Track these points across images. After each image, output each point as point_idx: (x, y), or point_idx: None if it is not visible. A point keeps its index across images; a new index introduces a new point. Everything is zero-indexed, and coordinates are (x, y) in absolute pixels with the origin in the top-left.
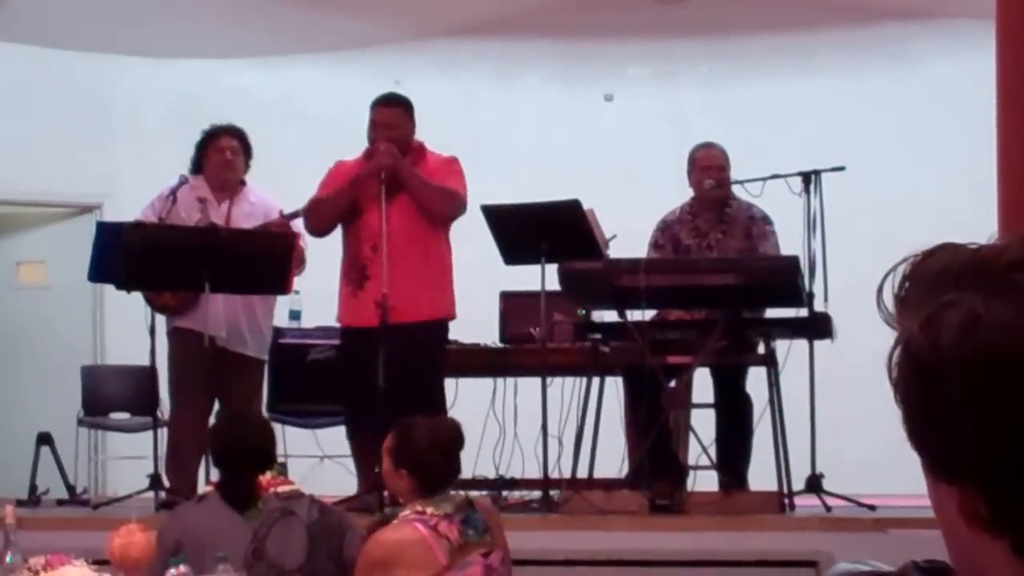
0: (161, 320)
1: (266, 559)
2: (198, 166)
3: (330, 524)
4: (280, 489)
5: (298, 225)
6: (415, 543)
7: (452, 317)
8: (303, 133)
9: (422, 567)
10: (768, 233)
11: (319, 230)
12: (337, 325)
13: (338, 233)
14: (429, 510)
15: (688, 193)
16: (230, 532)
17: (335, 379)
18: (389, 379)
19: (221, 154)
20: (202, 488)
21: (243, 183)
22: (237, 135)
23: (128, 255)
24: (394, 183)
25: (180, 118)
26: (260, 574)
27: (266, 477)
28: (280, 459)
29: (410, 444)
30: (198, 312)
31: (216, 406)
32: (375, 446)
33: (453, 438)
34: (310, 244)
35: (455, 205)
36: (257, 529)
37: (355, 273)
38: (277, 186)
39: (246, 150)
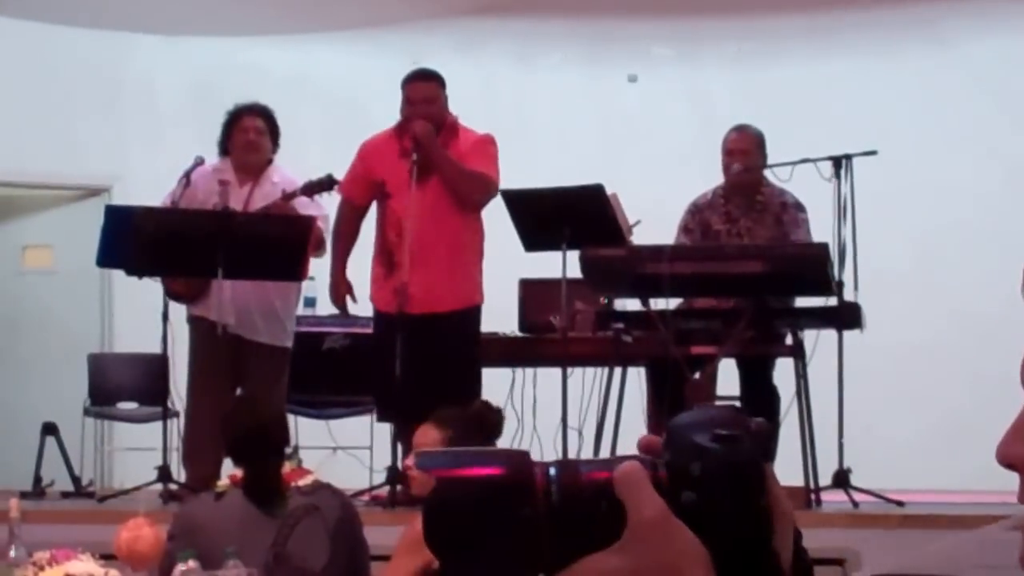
0: (179, 308)
1: (289, 563)
2: (225, 148)
3: (350, 516)
4: (301, 483)
5: (305, 205)
6: None
7: (478, 303)
8: (319, 112)
9: None
10: (800, 220)
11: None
12: (354, 313)
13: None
14: None
15: (717, 176)
16: (251, 533)
17: (358, 365)
18: (413, 370)
19: (245, 135)
20: (221, 482)
21: (269, 163)
22: (262, 114)
23: (139, 240)
24: (424, 166)
25: (193, 98)
26: (284, 574)
27: (286, 469)
28: (292, 448)
29: (481, 431)
30: (209, 299)
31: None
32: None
33: (497, 423)
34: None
35: (486, 191)
36: (279, 530)
37: (384, 257)
38: (293, 165)
39: (272, 130)
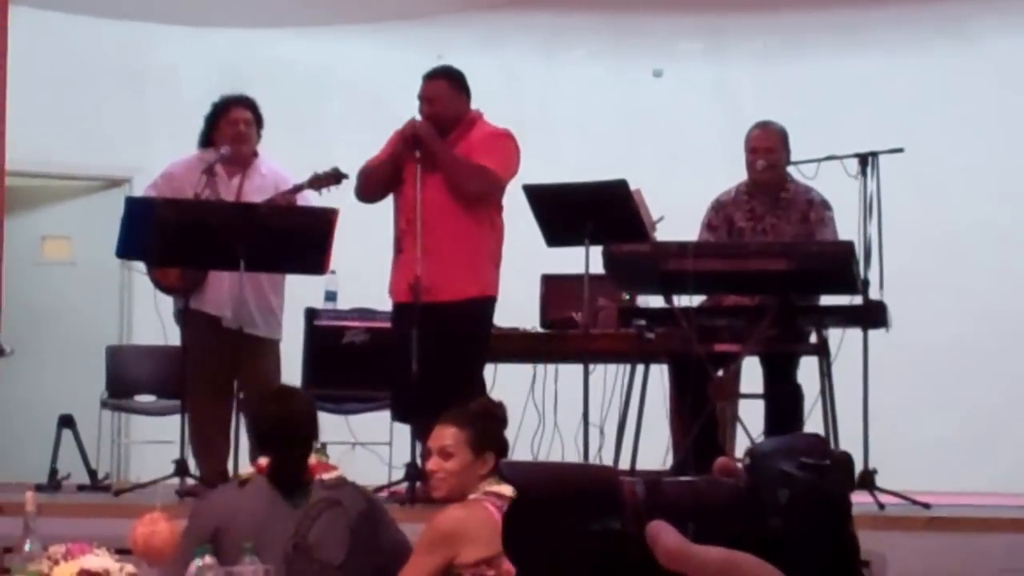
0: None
1: (308, 555)
2: (207, 140)
3: (375, 515)
4: (325, 477)
5: (307, 198)
6: (484, 521)
7: (489, 295)
8: (344, 105)
9: (486, 545)
10: (827, 219)
11: (364, 197)
12: (372, 307)
13: (377, 212)
14: (501, 489)
15: (743, 172)
16: (273, 520)
17: (378, 360)
18: (422, 361)
19: (234, 126)
20: (244, 470)
21: (255, 155)
22: (249, 106)
23: (161, 232)
24: (428, 158)
25: (217, 90)
26: (301, 569)
27: (312, 461)
28: (320, 444)
29: (495, 425)
30: (205, 293)
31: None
32: (422, 428)
33: (504, 416)
34: (350, 222)
35: (481, 183)
36: (300, 521)
37: (396, 245)
38: (318, 158)
39: (258, 121)
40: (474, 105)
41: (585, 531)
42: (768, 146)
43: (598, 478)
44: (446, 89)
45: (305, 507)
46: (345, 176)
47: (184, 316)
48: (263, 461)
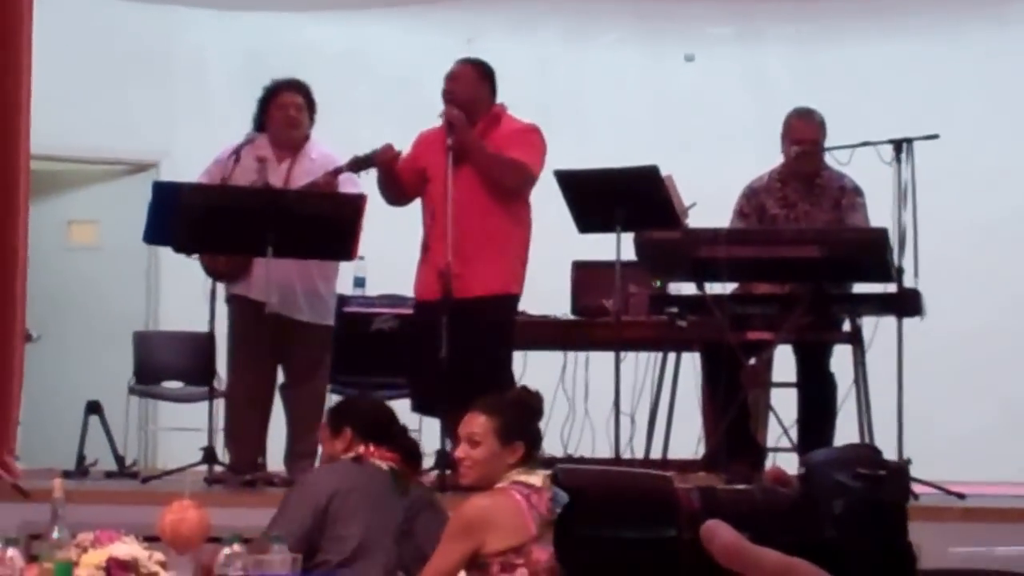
0: (221, 287)
1: (413, 541)
2: (260, 124)
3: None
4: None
5: (352, 180)
6: (509, 509)
7: (512, 292)
8: (373, 90)
9: (513, 534)
10: (858, 204)
11: (391, 204)
12: (401, 293)
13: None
14: (529, 479)
15: (775, 158)
16: (385, 503)
17: (399, 350)
18: (449, 354)
19: (284, 111)
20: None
21: (307, 139)
22: (301, 90)
23: (188, 217)
24: (460, 152)
25: (245, 74)
26: (408, 554)
27: None
28: None
29: (527, 415)
30: (250, 278)
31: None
32: (447, 419)
33: (539, 406)
34: (379, 208)
35: (517, 177)
36: (407, 509)
37: (423, 242)
38: (346, 143)
39: (310, 106)
40: (504, 90)
41: (639, 538)
42: (812, 139)
43: (653, 486)
44: (470, 72)
45: (410, 499)
46: None
47: (212, 300)
48: (370, 448)
